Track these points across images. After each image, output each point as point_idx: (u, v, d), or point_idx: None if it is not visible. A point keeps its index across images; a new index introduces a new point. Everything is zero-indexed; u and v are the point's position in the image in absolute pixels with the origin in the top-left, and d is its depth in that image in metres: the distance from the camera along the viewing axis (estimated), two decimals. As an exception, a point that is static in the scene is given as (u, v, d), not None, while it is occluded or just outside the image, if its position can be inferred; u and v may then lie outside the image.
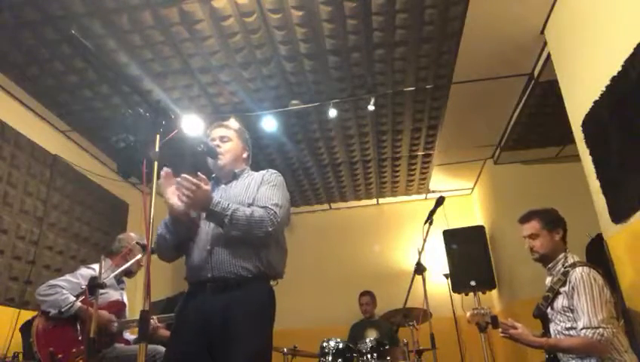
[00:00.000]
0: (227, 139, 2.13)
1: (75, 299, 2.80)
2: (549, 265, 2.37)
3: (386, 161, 5.13)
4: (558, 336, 2.23)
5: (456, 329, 4.69)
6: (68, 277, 2.94)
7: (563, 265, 2.30)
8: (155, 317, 2.93)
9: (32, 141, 3.74)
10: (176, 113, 3.80)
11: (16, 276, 3.46)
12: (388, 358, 3.47)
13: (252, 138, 2.32)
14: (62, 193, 4.02)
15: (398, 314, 3.77)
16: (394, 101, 3.97)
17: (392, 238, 6.15)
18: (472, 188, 6.14)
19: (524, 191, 4.69)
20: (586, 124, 2.72)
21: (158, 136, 1.61)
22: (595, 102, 2.54)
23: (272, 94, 3.77)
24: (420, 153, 4.98)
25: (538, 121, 4.13)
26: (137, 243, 3.15)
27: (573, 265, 2.23)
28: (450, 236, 5.25)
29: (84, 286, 2.81)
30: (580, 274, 2.16)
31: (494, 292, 5.35)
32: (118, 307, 3.06)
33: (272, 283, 1.96)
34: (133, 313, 3.44)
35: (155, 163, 1.56)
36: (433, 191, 5.97)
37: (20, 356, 2.89)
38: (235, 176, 2.11)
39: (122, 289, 3.21)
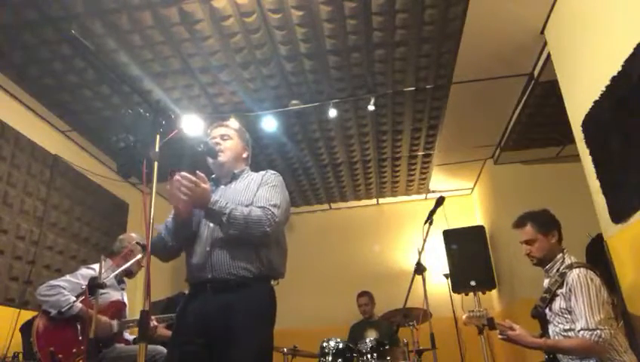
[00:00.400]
0: (228, 138, 2.14)
1: (75, 299, 2.80)
2: (547, 267, 2.38)
3: (386, 161, 5.13)
4: (556, 338, 2.23)
5: (456, 329, 4.68)
6: (68, 277, 2.94)
7: (560, 267, 2.30)
8: (153, 317, 2.93)
9: (32, 141, 3.74)
10: (176, 113, 3.80)
11: (16, 276, 3.46)
12: (388, 358, 3.47)
13: (252, 138, 2.32)
14: (62, 193, 4.02)
15: (398, 314, 3.77)
16: (394, 101, 3.97)
17: (392, 238, 6.15)
18: (472, 188, 6.14)
19: (524, 191, 4.69)
20: (586, 124, 2.72)
21: (158, 136, 1.61)
22: (595, 102, 2.54)
23: (272, 94, 3.77)
24: (420, 153, 4.98)
25: (538, 121, 4.12)
26: (138, 243, 3.15)
27: (570, 267, 2.23)
28: (450, 236, 5.26)
29: (84, 287, 2.81)
30: (576, 275, 2.15)
31: (494, 292, 5.35)
32: (118, 307, 3.06)
33: (272, 283, 1.96)
34: (133, 313, 3.44)
35: (155, 163, 1.56)
36: (433, 191, 5.97)
37: (20, 356, 2.89)
38: (234, 177, 2.11)
39: (122, 289, 3.21)
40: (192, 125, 3.61)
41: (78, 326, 2.83)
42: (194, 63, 3.37)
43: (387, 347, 3.56)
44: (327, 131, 4.42)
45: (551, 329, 2.28)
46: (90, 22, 2.94)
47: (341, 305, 5.42)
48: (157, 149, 1.59)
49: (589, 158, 2.71)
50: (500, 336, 2.29)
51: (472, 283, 4.88)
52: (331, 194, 5.99)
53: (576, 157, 2.94)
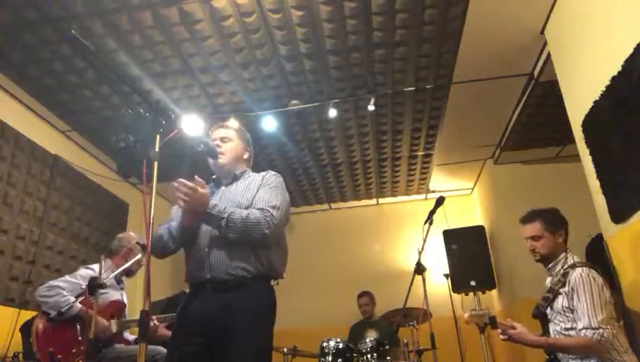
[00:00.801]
0: (228, 140, 2.13)
1: (75, 300, 2.80)
2: (549, 266, 2.37)
3: (386, 161, 5.13)
4: (557, 336, 2.23)
5: (456, 329, 4.68)
6: (68, 277, 2.94)
7: (563, 266, 2.30)
8: (154, 317, 2.93)
9: (32, 141, 3.74)
10: (176, 113, 3.80)
11: (16, 276, 3.46)
12: (388, 358, 3.47)
13: (252, 138, 2.32)
14: (62, 193, 4.02)
15: (398, 314, 3.77)
16: (394, 101, 3.96)
17: (392, 238, 6.15)
18: (472, 188, 6.14)
19: (524, 191, 4.69)
20: (586, 124, 2.72)
21: (158, 136, 1.61)
22: (595, 102, 2.54)
23: (272, 94, 3.77)
24: (420, 153, 4.98)
25: (538, 121, 4.12)
26: (137, 243, 3.15)
27: (573, 266, 2.23)
28: (450, 236, 5.25)
29: (84, 287, 2.81)
30: (579, 274, 2.16)
31: (494, 292, 5.35)
32: (118, 307, 3.06)
33: (272, 283, 1.96)
34: (133, 313, 3.44)
35: (155, 163, 1.56)
36: (433, 191, 5.97)
37: (20, 356, 2.89)
38: (235, 178, 2.11)
39: (122, 289, 3.21)
40: (192, 125, 3.61)
41: (78, 327, 2.83)
42: (194, 63, 3.37)
43: (387, 347, 3.56)
44: (327, 131, 4.42)
45: (552, 328, 2.28)
46: (90, 22, 2.94)
47: (341, 305, 5.42)
48: (157, 149, 1.59)
49: (589, 158, 2.71)
50: (501, 337, 2.29)
51: (472, 283, 4.88)
52: (331, 194, 5.99)
53: (576, 157, 2.94)
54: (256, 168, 2.18)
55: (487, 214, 5.62)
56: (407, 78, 3.65)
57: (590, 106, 2.60)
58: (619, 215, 2.46)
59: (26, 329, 2.79)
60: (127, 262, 3.05)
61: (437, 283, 5.29)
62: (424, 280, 3.15)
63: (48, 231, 3.82)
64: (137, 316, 1.55)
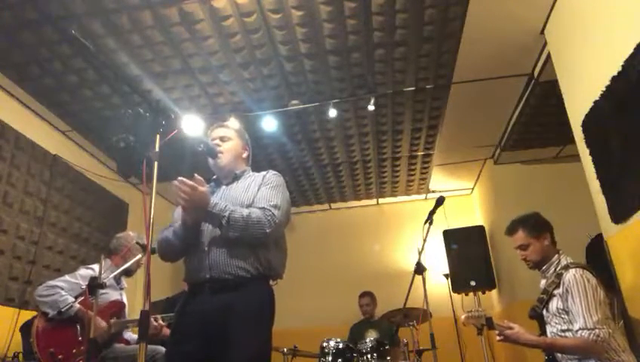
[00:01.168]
0: (227, 139, 2.14)
1: (74, 299, 2.80)
2: (543, 268, 2.38)
3: (386, 161, 5.13)
4: (554, 337, 2.23)
5: (456, 329, 4.69)
6: (67, 277, 2.94)
7: (556, 268, 2.31)
8: (159, 316, 2.92)
9: (32, 141, 3.74)
10: (176, 113, 3.80)
11: (16, 276, 3.46)
12: (388, 358, 3.47)
13: (252, 138, 2.32)
14: (62, 193, 4.02)
15: (398, 314, 3.77)
16: (394, 101, 3.96)
17: (392, 238, 6.15)
18: (472, 188, 6.14)
19: (524, 191, 4.69)
20: (586, 124, 2.72)
21: (158, 136, 1.61)
22: (595, 102, 2.54)
23: (272, 94, 3.77)
24: (420, 153, 4.98)
25: (538, 121, 4.12)
26: (137, 242, 3.15)
27: (566, 267, 2.24)
28: (450, 236, 5.26)
29: (83, 287, 2.81)
30: (573, 275, 2.16)
31: (494, 293, 5.35)
32: (117, 307, 3.06)
33: (271, 283, 1.96)
34: (133, 313, 3.44)
35: (155, 163, 1.56)
36: (433, 191, 5.97)
37: (20, 356, 2.89)
38: (236, 177, 2.11)
39: (122, 289, 3.21)
40: (192, 125, 3.61)
41: (78, 327, 2.83)
42: (194, 63, 3.37)
43: (387, 347, 3.56)
44: (327, 131, 4.42)
45: (548, 329, 2.28)
46: (90, 22, 2.94)
47: (341, 305, 5.42)
48: (157, 149, 1.59)
49: (589, 158, 2.71)
50: (497, 338, 2.29)
51: (472, 283, 4.88)
52: (331, 194, 5.99)
53: (576, 157, 2.94)
54: (257, 168, 2.18)
55: (487, 214, 5.62)
56: (407, 78, 3.66)
57: (590, 106, 2.60)
58: (619, 215, 2.46)
59: (26, 329, 2.79)
60: (126, 262, 3.04)
61: (437, 283, 5.30)
62: (424, 280, 3.15)
63: (48, 231, 3.82)
64: (137, 316, 1.55)
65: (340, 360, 3.39)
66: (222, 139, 2.12)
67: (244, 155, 2.20)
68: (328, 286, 5.87)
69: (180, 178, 1.78)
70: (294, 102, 3.87)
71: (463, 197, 6.24)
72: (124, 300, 3.16)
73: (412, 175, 5.53)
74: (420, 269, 2.99)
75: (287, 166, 5.04)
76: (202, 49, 3.22)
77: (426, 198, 6.23)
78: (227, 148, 2.11)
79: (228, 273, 1.83)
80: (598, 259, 2.82)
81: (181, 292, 3.70)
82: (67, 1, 2.79)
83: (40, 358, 2.64)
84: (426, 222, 2.97)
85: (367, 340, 3.55)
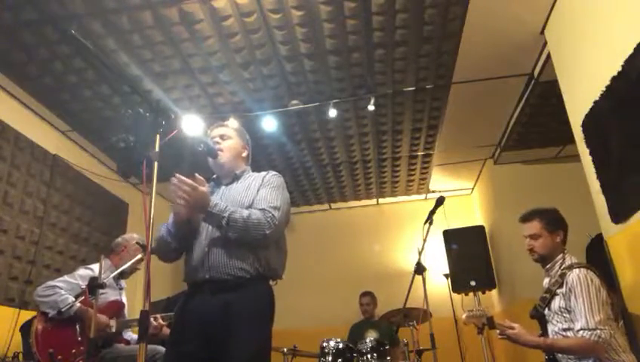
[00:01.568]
0: (227, 137, 2.14)
1: (74, 299, 2.80)
2: (547, 266, 2.38)
3: (386, 161, 5.13)
4: (555, 337, 2.23)
5: (456, 329, 4.69)
6: (66, 277, 2.94)
7: (560, 267, 2.30)
8: (159, 315, 2.92)
9: (32, 141, 3.74)
10: (176, 113, 3.80)
11: (16, 276, 3.46)
12: (388, 358, 3.47)
13: (252, 138, 2.32)
14: (62, 193, 4.02)
15: (398, 314, 3.77)
16: (394, 101, 3.96)
17: (392, 238, 6.15)
18: (472, 188, 6.14)
19: (524, 191, 4.69)
20: (586, 124, 2.72)
21: (158, 136, 1.61)
22: (595, 102, 2.54)
23: (272, 94, 3.77)
24: (420, 153, 4.98)
25: (538, 121, 4.12)
26: (137, 242, 3.15)
27: (570, 267, 2.23)
28: (450, 236, 5.26)
29: (83, 287, 2.81)
30: (576, 275, 2.16)
31: (494, 292, 5.35)
32: (117, 307, 3.06)
33: (271, 283, 1.95)
34: (133, 313, 3.44)
35: (155, 163, 1.55)
36: (433, 191, 5.97)
37: (20, 356, 2.89)
38: (236, 177, 2.10)
39: (121, 289, 3.21)
40: (192, 125, 3.61)
41: (77, 327, 2.83)
42: (194, 63, 3.37)
43: (387, 347, 3.56)
44: (327, 131, 4.42)
45: (550, 328, 2.28)
46: (90, 22, 2.94)
47: (341, 305, 5.42)
48: (157, 149, 1.58)
49: (589, 158, 2.71)
50: (499, 336, 2.29)
51: (472, 283, 4.88)
52: (331, 194, 5.99)
53: (576, 157, 2.94)
54: (257, 168, 2.18)
55: (487, 214, 5.62)
56: (407, 78, 3.65)
57: (590, 106, 2.60)
58: (619, 215, 2.46)
59: (26, 329, 2.79)
60: (126, 262, 3.04)
61: (437, 283, 5.30)
62: (424, 280, 3.15)
63: (48, 231, 3.82)
64: (137, 316, 1.55)
65: (339, 360, 3.39)
66: (222, 137, 2.12)
67: (244, 154, 2.20)
68: (328, 286, 5.87)
69: (178, 176, 1.77)
70: (294, 102, 3.87)
71: (462, 197, 6.24)
72: (124, 300, 3.16)
73: (412, 175, 5.53)
74: (420, 269, 2.99)
75: (287, 166, 5.04)
76: (202, 49, 3.22)
77: (426, 198, 6.23)
78: (227, 146, 2.11)
79: (227, 273, 1.82)
80: (598, 258, 2.82)
81: (181, 292, 3.69)
82: (67, 1, 2.79)
83: (39, 358, 2.65)
84: (425, 222, 2.97)
85: (367, 340, 3.54)
